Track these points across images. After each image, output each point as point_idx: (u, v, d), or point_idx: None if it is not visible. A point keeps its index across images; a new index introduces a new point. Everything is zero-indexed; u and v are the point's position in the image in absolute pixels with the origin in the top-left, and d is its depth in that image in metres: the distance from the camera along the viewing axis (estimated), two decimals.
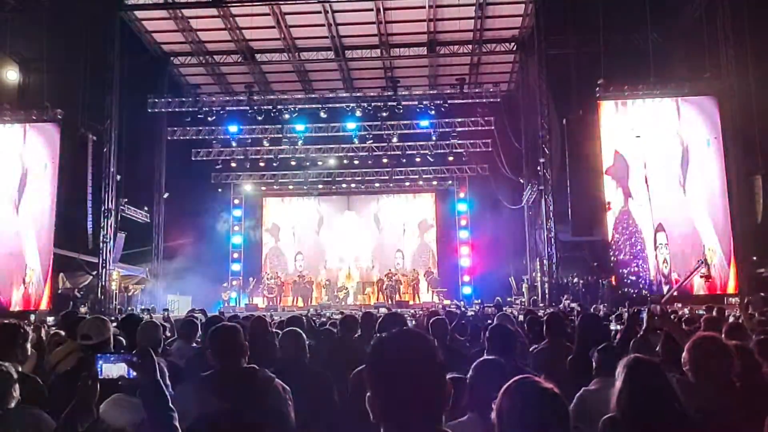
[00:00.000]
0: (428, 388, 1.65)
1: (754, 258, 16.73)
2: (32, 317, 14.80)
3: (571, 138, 19.72)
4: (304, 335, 4.35)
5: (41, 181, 18.90)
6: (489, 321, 7.35)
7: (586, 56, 18.88)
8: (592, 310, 13.53)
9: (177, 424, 2.50)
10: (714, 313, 7.40)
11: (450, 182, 27.10)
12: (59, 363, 4.33)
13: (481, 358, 3.19)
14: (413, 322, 9.56)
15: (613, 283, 17.61)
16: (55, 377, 4.11)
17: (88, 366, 2.72)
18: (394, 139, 24.03)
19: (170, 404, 2.52)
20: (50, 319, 12.90)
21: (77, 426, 2.63)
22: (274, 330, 6.23)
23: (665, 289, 16.91)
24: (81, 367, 3.72)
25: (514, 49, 21.93)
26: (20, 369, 3.67)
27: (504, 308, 14.60)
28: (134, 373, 2.53)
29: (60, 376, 4.07)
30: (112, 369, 2.61)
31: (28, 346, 3.85)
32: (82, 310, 16.38)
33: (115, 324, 5.42)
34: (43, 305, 18.03)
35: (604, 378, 3.87)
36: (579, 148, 19.51)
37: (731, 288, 16.64)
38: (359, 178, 26.67)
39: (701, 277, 16.78)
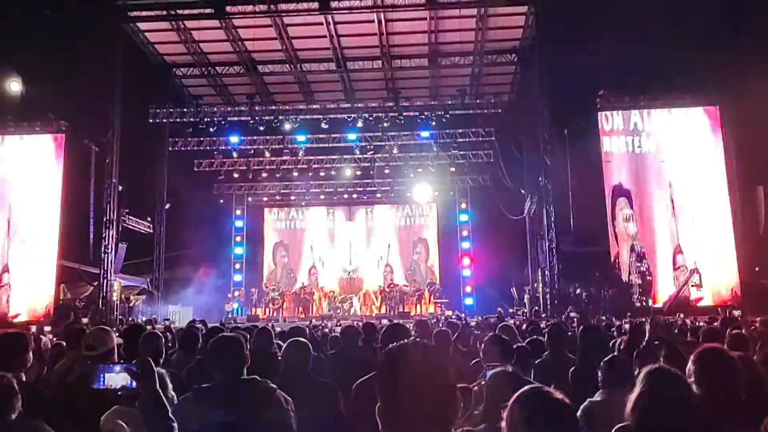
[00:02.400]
0: (439, 401, 1.66)
1: (757, 268, 16.70)
2: (33, 328, 14.76)
3: (573, 149, 19.76)
4: (309, 345, 4.32)
5: (45, 193, 18.95)
6: (490, 332, 7.32)
7: (586, 67, 18.91)
8: (594, 321, 13.50)
9: None
10: (716, 324, 7.37)
11: (451, 193, 27.11)
12: (64, 374, 4.32)
13: (497, 370, 3.18)
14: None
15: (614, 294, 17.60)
16: (60, 388, 4.10)
17: (91, 376, 2.71)
18: (395, 150, 24.06)
19: (170, 415, 2.51)
20: (47, 329, 12.85)
21: None
22: (276, 341, 6.22)
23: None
24: (84, 378, 3.71)
25: (515, 60, 21.99)
26: (24, 378, 3.67)
27: (506, 319, 14.57)
28: (135, 383, 2.52)
29: (64, 386, 4.07)
30: (115, 379, 2.60)
31: (30, 355, 3.86)
32: (84, 321, 16.34)
33: (117, 334, 5.41)
34: (45, 316, 17.99)
35: (609, 389, 3.86)
36: (580, 159, 19.55)
37: (731, 299, 16.60)
38: (361, 189, 26.69)
39: (693, 285, 16.78)
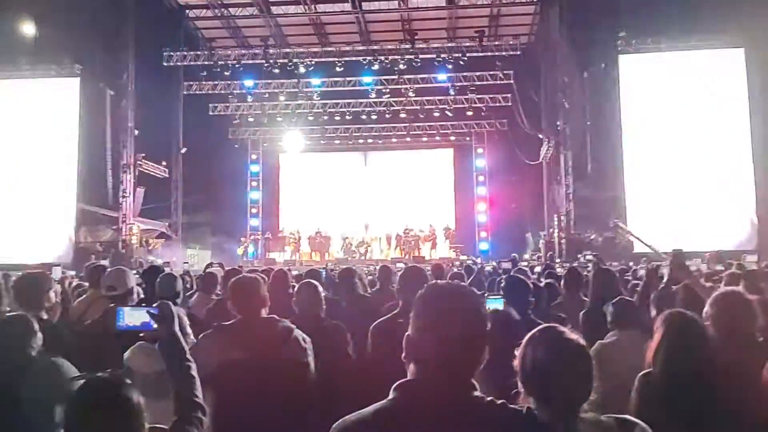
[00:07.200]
0: (472, 341, 1.67)
1: None
2: (55, 270, 15.04)
3: (592, 92, 19.40)
4: (320, 287, 4.34)
5: (61, 137, 19.01)
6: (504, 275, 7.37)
7: (608, 8, 18.38)
8: (608, 265, 13.49)
9: (195, 373, 2.55)
10: (734, 269, 7.33)
11: (468, 137, 26.86)
12: (84, 313, 4.42)
13: (494, 309, 3.19)
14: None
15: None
16: (80, 327, 4.19)
17: (112, 316, 2.77)
18: (411, 94, 23.75)
19: (188, 355, 2.57)
20: (71, 273, 13.07)
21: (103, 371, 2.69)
22: (293, 284, 6.29)
23: None
24: (105, 317, 3.80)
25: (535, 0, 21.38)
26: (45, 317, 3.74)
27: (520, 264, 14.61)
28: (155, 325, 2.57)
29: (85, 325, 4.16)
30: (135, 319, 2.66)
31: (53, 294, 3.93)
32: (104, 263, 16.63)
33: (137, 275, 5.50)
34: (65, 259, 18.28)
35: (618, 331, 3.88)
36: (600, 103, 19.20)
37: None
38: (376, 134, 26.51)
39: None
